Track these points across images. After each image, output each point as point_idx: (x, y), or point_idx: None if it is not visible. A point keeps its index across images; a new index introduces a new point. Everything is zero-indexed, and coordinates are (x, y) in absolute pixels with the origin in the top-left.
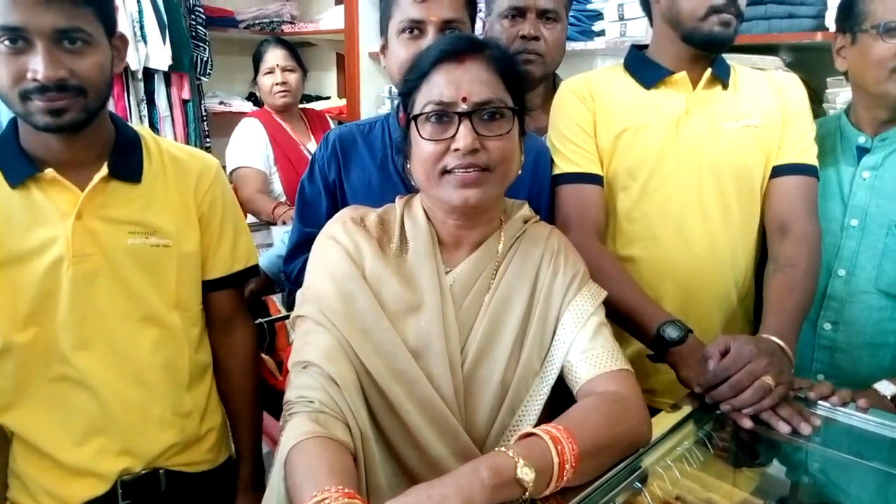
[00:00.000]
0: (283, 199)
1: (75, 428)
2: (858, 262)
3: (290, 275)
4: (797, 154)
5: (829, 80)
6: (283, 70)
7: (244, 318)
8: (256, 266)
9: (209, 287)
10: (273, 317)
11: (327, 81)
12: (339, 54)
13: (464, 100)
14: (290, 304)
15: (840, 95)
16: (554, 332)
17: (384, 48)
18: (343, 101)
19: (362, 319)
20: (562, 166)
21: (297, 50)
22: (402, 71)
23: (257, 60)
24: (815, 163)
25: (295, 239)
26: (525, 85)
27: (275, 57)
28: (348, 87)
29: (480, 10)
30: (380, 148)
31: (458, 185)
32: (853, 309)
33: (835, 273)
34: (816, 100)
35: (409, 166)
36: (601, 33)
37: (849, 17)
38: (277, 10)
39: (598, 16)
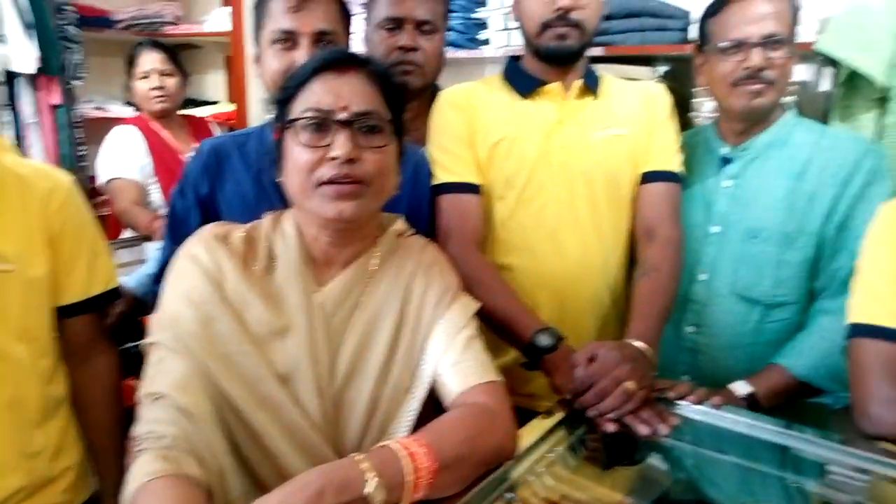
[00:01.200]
0: (163, 211)
1: None
2: (718, 267)
3: (159, 295)
4: (663, 161)
5: (696, 90)
6: (161, 74)
7: (105, 345)
8: (117, 289)
9: (64, 313)
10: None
11: (215, 85)
12: (227, 57)
13: (343, 108)
14: None
15: (706, 105)
16: (424, 347)
17: (258, 58)
18: (232, 106)
19: (223, 344)
20: (441, 176)
21: (177, 52)
22: (275, 81)
23: (131, 64)
24: (681, 170)
25: (165, 258)
26: (404, 104)
27: (150, 60)
28: (236, 91)
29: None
30: (255, 160)
31: (332, 198)
32: (713, 312)
33: (696, 278)
34: (686, 108)
35: (280, 179)
36: (487, 42)
37: (702, 38)
38: (158, 10)
39: (484, 25)
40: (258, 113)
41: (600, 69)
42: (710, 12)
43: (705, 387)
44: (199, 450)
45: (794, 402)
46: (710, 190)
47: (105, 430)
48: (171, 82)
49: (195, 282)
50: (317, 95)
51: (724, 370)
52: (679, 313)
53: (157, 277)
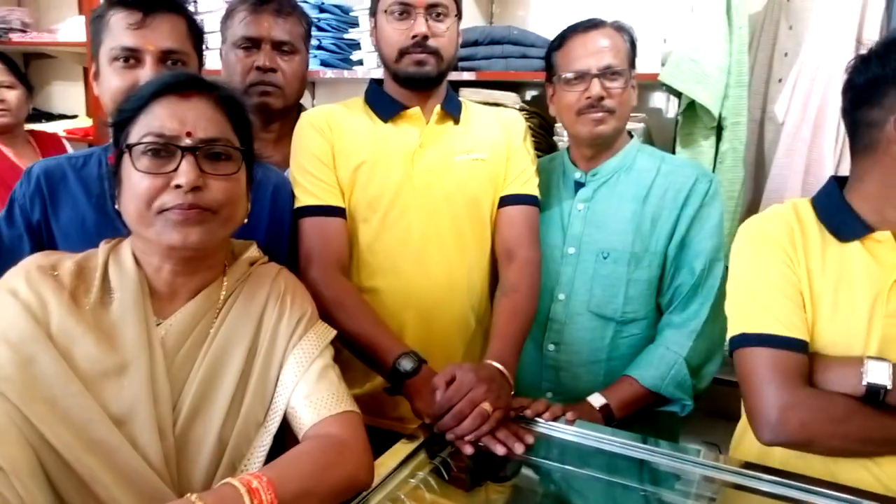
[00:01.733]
0: None
1: None
2: (574, 286)
3: None
4: (520, 185)
5: (553, 114)
6: (0, 86)
7: None
8: None
9: None
10: None
11: (74, 98)
12: (85, 68)
13: (188, 134)
14: None
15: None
16: (277, 378)
17: (96, 74)
18: (91, 121)
19: (47, 387)
20: (303, 199)
21: (26, 62)
22: (115, 101)
23: None
24: (536, 193)
25: None
26: (252, 131)
27: None
28: (93, 106)
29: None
30: (96, 184)
31: (177, 223)
32: (572, 330)
33: (556, 297)
34: (551, 133)
35: (117, 205)
36: (360, 62)
37: (548, 70)
38: (4, 15)
39: (357, 45)
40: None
41: (468, 93)
42: (555, 46)
43: (568, 402)
44: None
45: (647, 412)
46: (566, 213)
47: None
48: (12, 95)
49: (13, 319)
50: (159, 119)
51: (584, 385)
52: (541, 332)
53: None
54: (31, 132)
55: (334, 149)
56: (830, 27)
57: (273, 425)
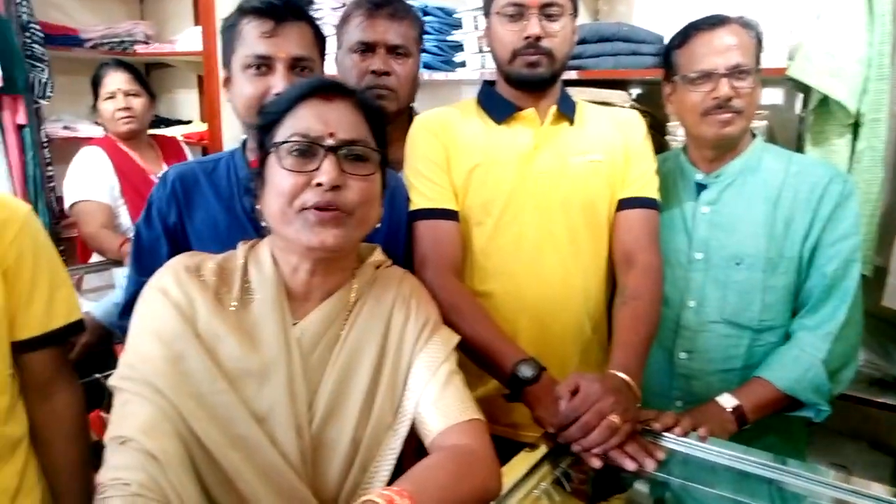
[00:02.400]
0: (133, 234)
1: None
2: (706, 293)
3: (127, 330)
4: (639, 188)
5: (670, 114)
6: (126, 94)
7: (67, 382)
8: (80, 322)
9: (21, 348)
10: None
11: (189, 104)
12: (200, 76)
13: (331, 135)
14: None
15: (680, 129)
16: (405, 382)
17: (227, 81)
18: (205, 126)
19: (195, 383)
20: (418, 202)
21: (148, 72)
22: (247, 108)
23: (96, 85)
24: (657, 196)
25: (132, 290)
26: (385, 136)
27: (115, 81)
28: (209, 111)
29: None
30: (226, 187)
31: (315, 224)
32: (705, 338)
33: (686, 304)
34: (661, 132)
35: (259, 206)
36: (463, 64)
37: (668, 68)
38: (129, 28)
39: (460, 47)
40: (232, 132)
41: (574, 92)
42: (676, 44)
43: None
44: (167, 497)
45: (777, 418)
46: (688, 216)
47: (68, 470)
48: (138, 103)
49: (165, 318)
50: (304, 121)
51: (716, 395)
52: (670, 340)
53: (124, 310)
54: (153, 136)
55: (448, 152)
56: None
57: (403, 429)
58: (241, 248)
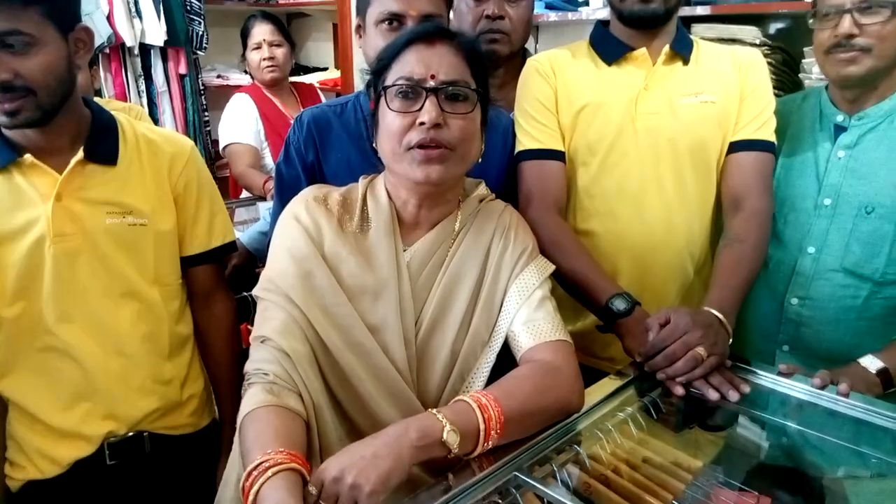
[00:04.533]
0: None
1: (62, 394)
2: (828, 240)
3: None
4: (754, 130)
5: (805, 50)
6: (270, 45)
7: (223, 292)
8: (233, 243)
9: (188, 263)
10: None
11: (325, 52)
12: (335, 24)
13: (432, 77)
14: None
15: (816, 67)
16: (501, 304)
17: (360, 28)
18: (338, 73)
19: (320, 296)
20: (525, 143)
21: (284, 23)
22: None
23: (245, 36)
24: (773, 138)
25: (276, 219)
26: (487, 75)
27: (261, 32)
28: (341, 58)
29: None
30: (355, 127)
31: (421, 162)
32: (820, 286)
33: (804, 250)
34: (795, 70)
35: (375, 144)
36: (586, 3)
37: (813, 4)
38: None
39: None
40: (363, 78)
41: (702, 29)
42: None
43: (805, 358)
44: (297, 387)
45: None
46: (822, 159)
47: (223, 364)
48: (280, 52)
49: (296, 240)
50: (409, 65)
51: (827, 344)
52: (783, 284)
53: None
54: (294, 84)
55: (557, 93)
56: None
57: (497, 344)
58: (362, 181)
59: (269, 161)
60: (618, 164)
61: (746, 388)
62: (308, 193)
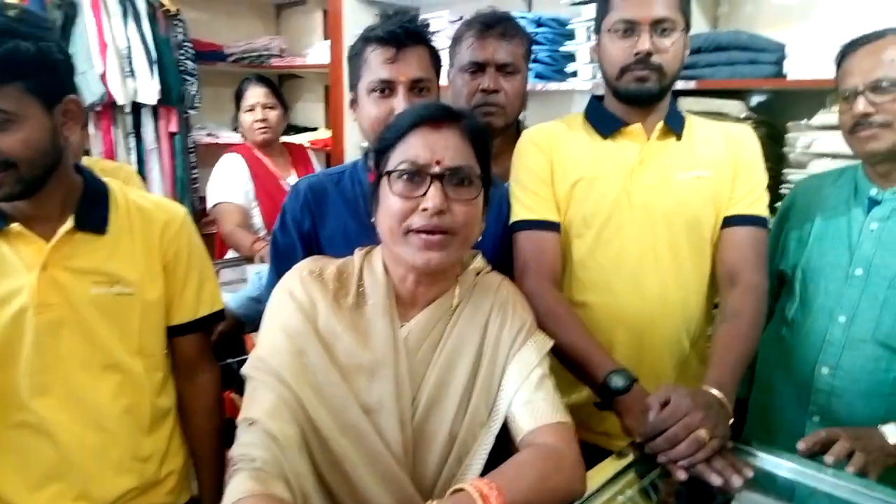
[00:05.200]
0: (264, 233)
1: (32, 474)
2: (859, 310)
3: None
4: (747, 206)
5: (789, 124)
6: (264, 107)
7: (208, 363)
8: (221, 311)
9: (174, 332)
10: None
11: (315, 112)
12: (326, 86)
13: (437, 163)
14: None
15: (800, 140)
16: (500, 382)
17: (354, 102)
18: (330, 133)
19: (313, 374)
20: (520, 213)
21: (280, 84)
22: (373, 127)
23: (239, 98)
24: (766, 214)
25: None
26: (490, 157)
27: (255, 94)
28: (333, 119)
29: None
30: (352, 197)
31: (421, 247)
32: (852, 356)
33: (835, 319)
34: (780, 143)
35: (373, 220)
36: (575, 74)
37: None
38: (266, 43)
39: (572, 57)
40: (353, 139)
41: (689, 103)
42: (838, 59)
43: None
44: (285, 473)
45: None
46: (855, 230)
47: (205, 438)
48: (273, 115)
49: (290, 317)
50: (414, 149)
51: (858, 417)
52: (813, 353)
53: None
54: (285, 144)
55: (553, 165)
56: None
57: (496, 426)
58: (358, 254)
59: (257, 221)
60: (613, 238)
61: (749, 473)
62: (303, 267)
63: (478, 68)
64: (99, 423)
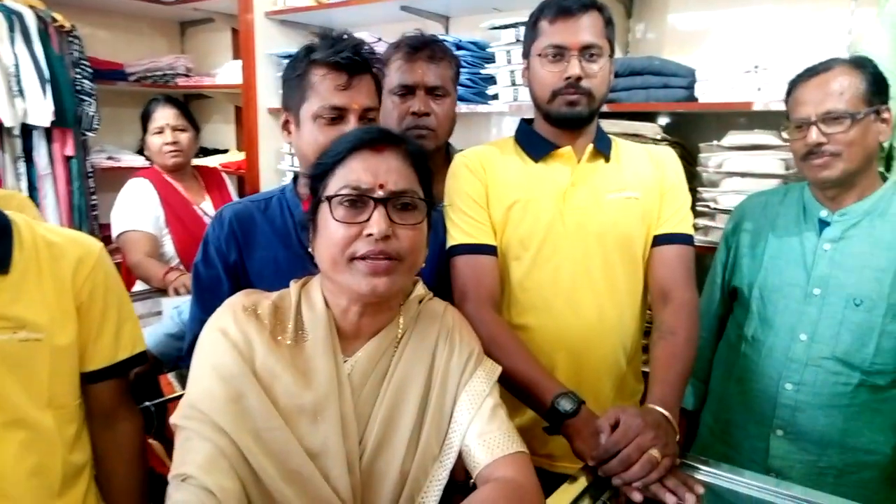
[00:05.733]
0: (177, 262)
1: None
2: (819, 329)
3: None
4: (675, 224)
5: (701, 145)
6: (174, 129)
7: (128, 410)
8: (144, 353)
9: (90, 379)
10: (166, 397)
11: (226, 134)
12: (237, 107)
13: (381, 186)
14: None
15: (712, 159)
16: (451, 414)
17: (288, 123)
18: (242, 155)
19: (252, 420)
20: (457, 237)
21: (188, 107)
22: (316, 153)
23: (146, 119)
24: (691, 231)
25: (196, 330)
26: (431, 181)
27: (164, 116)
28: (247, 141)
29: None
30: (281, 224)
31: (367, 273)
32: (813, 372)
33: (796, 337)
34: (691, 162)
35: (311, 248)
36: (495, 97)
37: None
38: (171, 62)
39: (492, 80)
40: (268, 163)
41: (606, 125)
42: (788, 91)
43: (798, 442)
44: None
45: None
46: (808, 251)
47: (126, 494)
48: (185, 137)
49: (224, 358)
50: (355, 173)
51: (820, 428)
52: (776, 370)
53: (190, 351)
54: (196, 167)
55: (488, 189)
56: None
57: (449, 461)
58: (294, 286)
59: (169, 249)
60: (550, 259)
61: (700, 490)
62: (235, 303)
63: (407, 91)
64: (1, 488)
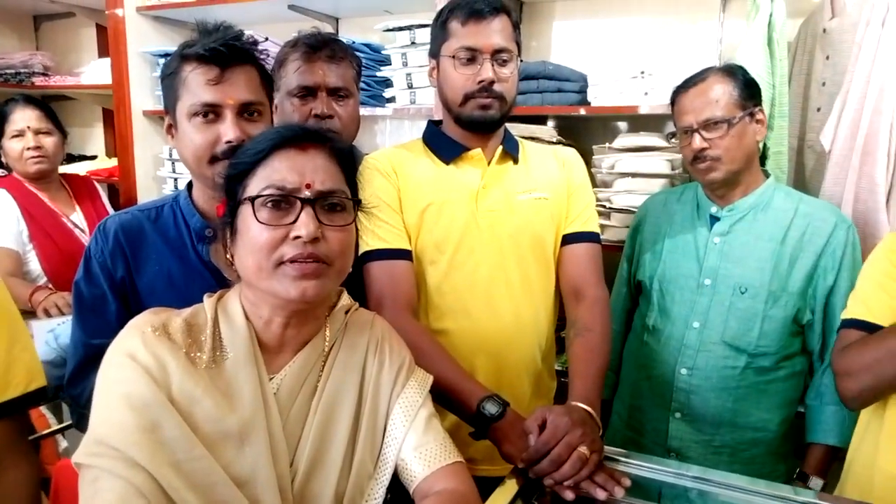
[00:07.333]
0: (44, 280)
1: None
2: (710, 316)
3: (78, 399)
4: (583, 223)
5: (595, 147)
6: (37, 133)
7: (22, 455)
8: (44, 389)
9: None
10: (39, 433)
11: (93, 139)
12: (105, 109)
13: (307, 186)
14: (79, 426)
15: (605, 161)
16: (385, 428)
17: (171, 127)
18: (113, 161)
19: (172, 451)
20: (371, 243)
21: (53, 108)
22: (197, 157)
23: (2, 122)
24: (598, 230)
25: (81, 355)
26: (358, 181)
27: (25, 118)
28: (119, 146)
29: None
30: (175, 235)
31: (296, 277)
32: (704, 357)
33: (690, 325)
34: (586, 164)
35: (229, 255)
36: (392, 100)
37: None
38: (26, 60)
39: (388, 83)
40: (145, 169)
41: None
42: (671, 102)
43: (694, 423)
44: None
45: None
46: (700, 244)
47: None
48: (50, 142)
49: (135, 384)
50: (279, 172)
51: (712, 409)
52: (673, 356)
53: (73, 380)
54: (64, 176)
55: (401, 192)
56: (876, 57)
57: (385, 478)
58: (208, 301)
59: (34, 267)
60: (466, 262)
61: (627, 482)
62: (142, 323)
63: (308, 93)
64: None
